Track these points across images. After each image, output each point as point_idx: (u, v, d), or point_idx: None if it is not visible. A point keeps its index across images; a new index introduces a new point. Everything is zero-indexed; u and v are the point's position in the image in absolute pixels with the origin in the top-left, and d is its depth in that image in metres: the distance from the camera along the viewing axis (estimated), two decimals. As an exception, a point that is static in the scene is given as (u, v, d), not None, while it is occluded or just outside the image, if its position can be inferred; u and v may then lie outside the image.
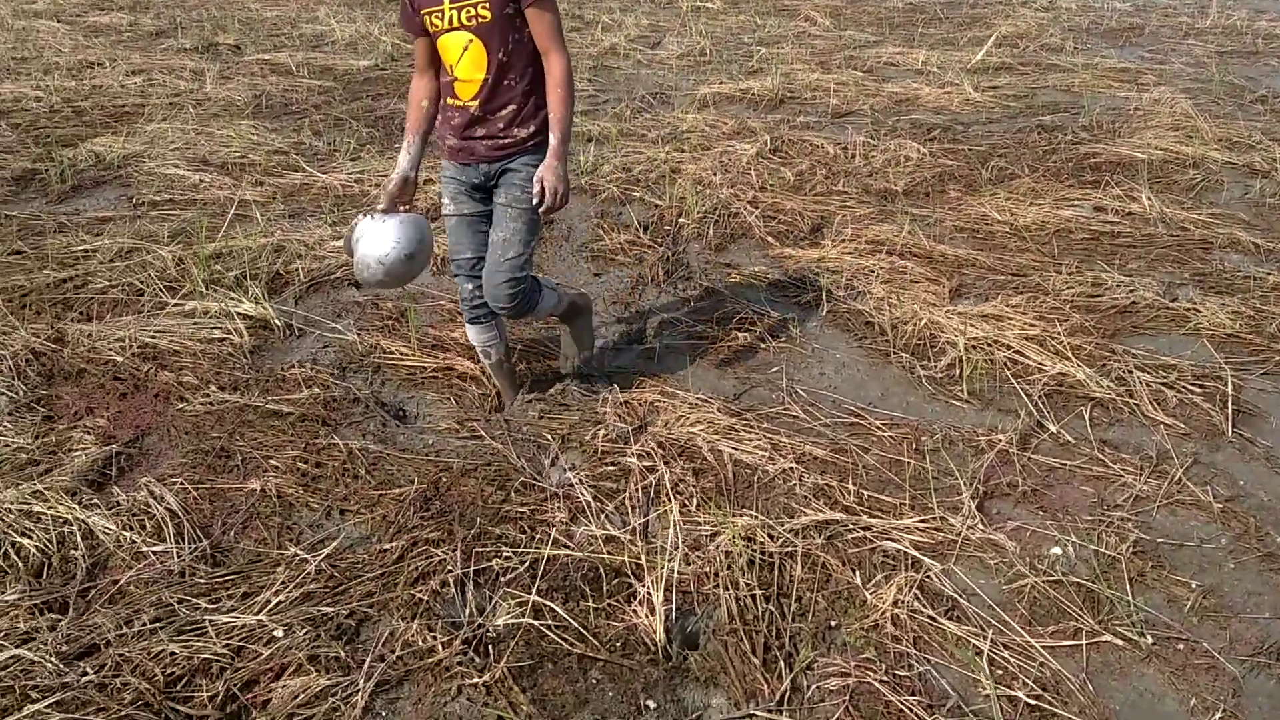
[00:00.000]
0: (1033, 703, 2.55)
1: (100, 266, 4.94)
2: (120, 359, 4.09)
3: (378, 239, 3.24)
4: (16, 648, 2.55)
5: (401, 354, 4.22)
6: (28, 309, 4.52)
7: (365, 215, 3.32)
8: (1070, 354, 4.18)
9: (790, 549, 3.08)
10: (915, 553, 3.06)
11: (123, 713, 2.38)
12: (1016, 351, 4.22)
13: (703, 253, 5.46)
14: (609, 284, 5.07)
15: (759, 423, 3.77)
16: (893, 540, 3.11)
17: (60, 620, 2.67)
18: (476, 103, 3.23)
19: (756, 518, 3.19)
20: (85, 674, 2.49)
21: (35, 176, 6.32)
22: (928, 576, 2.98)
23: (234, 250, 5.09)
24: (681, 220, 5.81)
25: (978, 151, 7.04)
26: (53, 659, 2.52)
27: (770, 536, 3.12)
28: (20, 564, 2.90)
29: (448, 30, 3.17)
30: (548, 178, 3.17)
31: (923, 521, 3.19)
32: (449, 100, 3.31)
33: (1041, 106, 8.30)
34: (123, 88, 8.59)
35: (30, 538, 2.98)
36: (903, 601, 2.85)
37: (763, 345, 4.44)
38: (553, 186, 3.17)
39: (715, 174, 6.53)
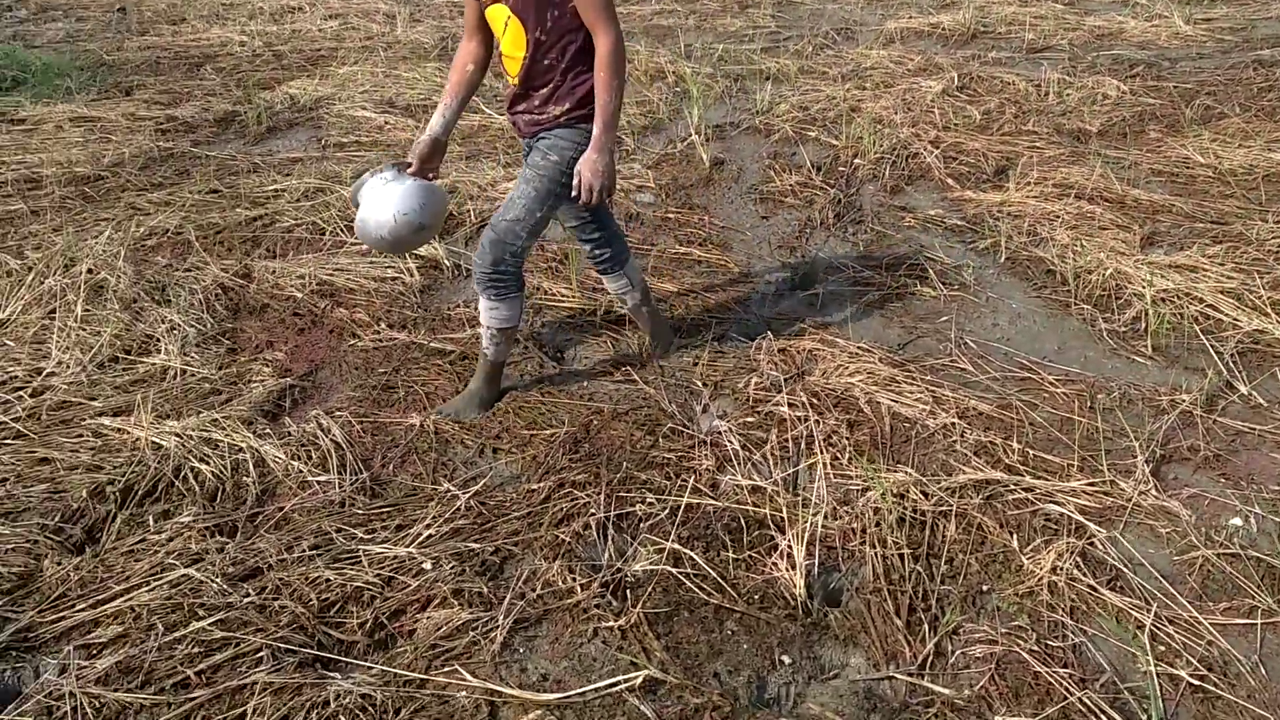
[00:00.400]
0: (1196, 683, 2.38)
1: (288, 206, 5.17)
2: (300, 295, 4.27)
3: (392, 201, 3.09)
4: (187, 567, 2.71)
5: (562, 296, 4.25)
6: (220, 245, 4.77)
7: (383, 170, 3.17)
8: (1270, 309, 3.84)
9: (945, 508, 2.96)
10: (1080, 517, 2.89)
11: (279, 634, 2.51)
12: (1209, 305, 3.91)
13: (877, 195, 5.27)
14: (775, 227, 4.96)
15: (922, 374, 3.63)
16: (1056, 503, 2.94)
17: (228, 543, 2.83)
18: (518, 80, 3.09)
19: (911, 474, 3.07)
20: (247, 595, 2.63)
21: (235, 118, 6.65)
22: (1091, 543, 2.80)
23: (410, 191, 5.23)
24: (857, 161, 5.62)
25: (1183, 89, 6.52)
26: (219, 580, 2.67)
27: (924, 494, 3.01)
28: (197, 488, 3.08)
29: (492, 2, 3.02)
30: (585, 172, 3.01)
31: (1091, 485, 3.00)
32: (503, 73, 3.18)
33: (1261, 40, 7.61)
34: (320, 32, 8.93)
35: (207, 464, 3.16)
36: (1062, 568, 2.70)
37: (933, 293, 4.26)
38: (588, 182, 3.01)
39: (896, 113, 6.28)
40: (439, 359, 3.81)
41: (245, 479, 3.13)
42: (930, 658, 2.50)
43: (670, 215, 5.08)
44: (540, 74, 3.05)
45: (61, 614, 2.61)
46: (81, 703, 2.33)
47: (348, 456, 3.21)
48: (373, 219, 3.10)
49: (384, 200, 3.09)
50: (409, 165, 3.18)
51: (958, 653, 2.51)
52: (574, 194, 3.06)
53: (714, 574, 2.71)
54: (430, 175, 3.25)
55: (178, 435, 3.25)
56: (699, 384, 3.58)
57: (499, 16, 3.02)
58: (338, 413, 3.46)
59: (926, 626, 2.58)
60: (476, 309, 4.08)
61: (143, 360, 3.78)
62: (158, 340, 3.89)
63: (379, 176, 3.14)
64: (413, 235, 3.16)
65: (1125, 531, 2.86)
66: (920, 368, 3.69)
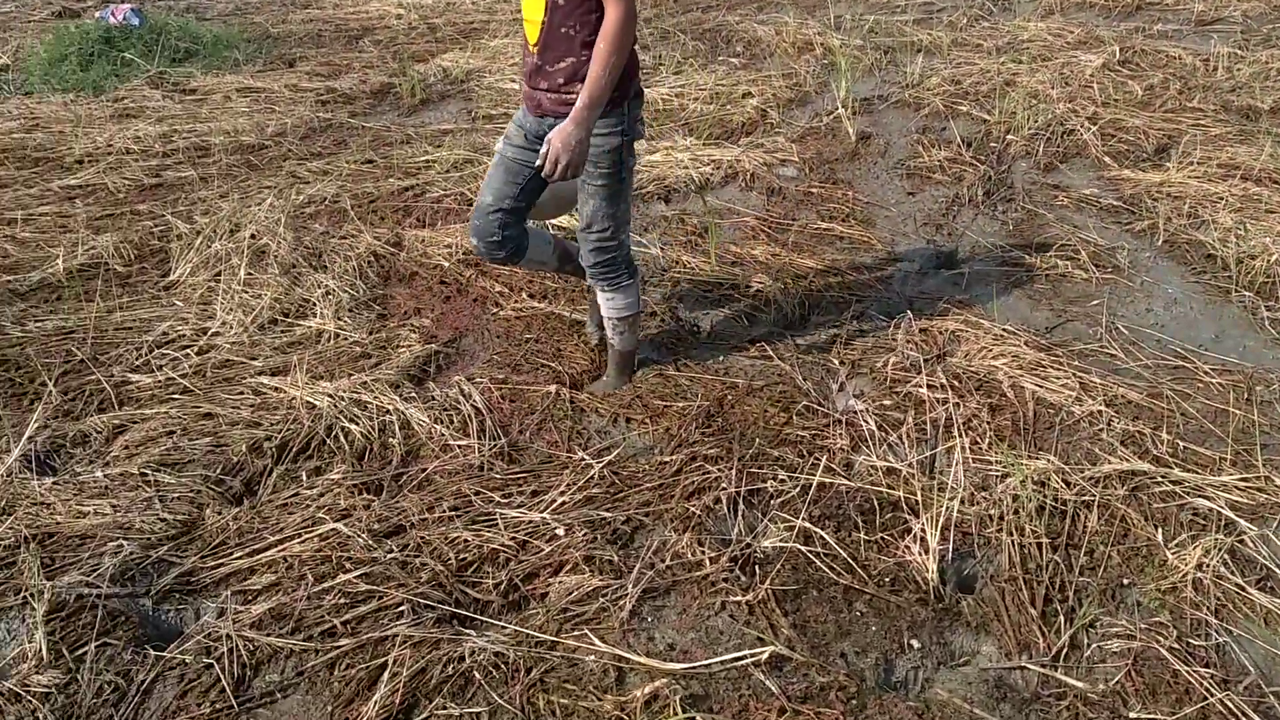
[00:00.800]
0: (1355, 696, 2.27)
1: (438, 176, 5.31)
2: (447, 264, 4.39)
3: None
4: (335, 522, 2.84)
5: (700, 269, 4.26)
6: (374, 214, 4.94)
7: None
8: None
9: (1087, 498, 2.87)
10: (1230, 513, 2.77)
11: (419, 589, 2.61)
12: (1391, 296, 3.67)
13: (1029, 172, 5.11)
14: (922, 204, 4.86)
15: (1069, 360, 3.52)
16: (1205, 498, 2.82)
17: (374, 501, 2.96)
18: (536, 49, 2.85)
19: (1053, 462, 2.99)
20: (390, 551, 2.75)
21: (390, 90, 6.85)
22: (1241, 541, 2.69)
23: (555, 163, 5.30)
24: (1009, 137, 5.45)
25: (1375, 60, 6.10)
26: (364, 535, 2.80)
27: (1066, 483, 2.93)
28: (346, 447, 3.22)
29: None
30: (555, 141, 2.74)
31: (1243, 480, 2.87)
32: (524, 41, 2.93)
33: None
34: (473, 5, 9.11)
35: (357, 424, 3.30)
36: (1208, 565, 2.59)
37: (1085, 276, 4.11)
38: (555, 153, 2.74)
39: (1053, 87, 6.05)
40: (578, 330, 3.87)
41: (391, 440, 3.25)
42: (1065, 650, 2.44)
43: (813, 190, 5.03)
44: (558, 44, 2.81)
45: (220, 561, 2.77)
46: (237, 645, 2.47)
47: (487, 422, 3.31)
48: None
49: None
50: None
51: (1094, 646, 2.45)
52: (538, 163, 2.82)
53: (844, 554, 2.69)
54: None
55: (330, 396, 3.40)
56: (836, 362, 3.55)
57: None
58: (479, 379, 3.55)
59: (1062, 618, 2.52)
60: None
61: (300, 323, 3.95)
62: (314, 304, 4.06)
63: None
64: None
65: (1279, 530, 2.73)
66: (1068, 352, 3.58)
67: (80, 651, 2.48)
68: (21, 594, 2.64)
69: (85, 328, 3.90)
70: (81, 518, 2.89)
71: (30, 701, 2.37)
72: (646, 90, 6.42)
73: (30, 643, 2.49)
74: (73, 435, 3.30)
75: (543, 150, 2.77)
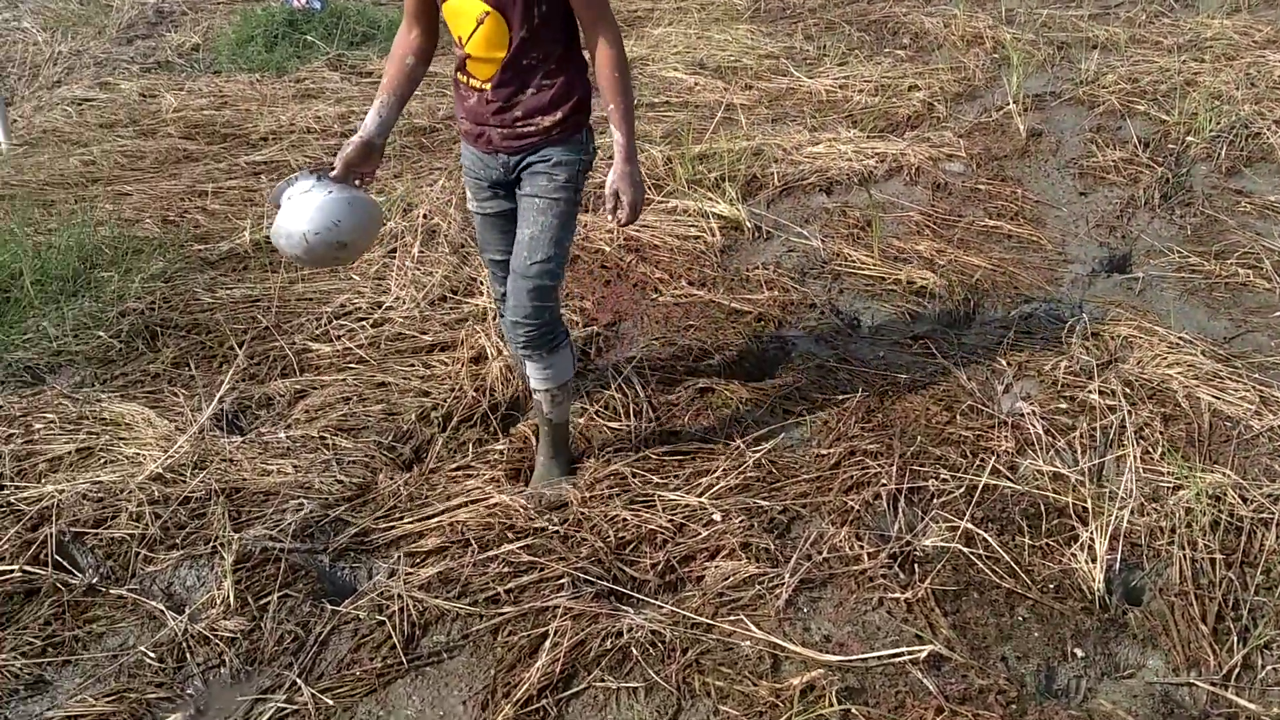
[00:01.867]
0: None
1: (599, 165, 5.39)
2: (607, 249, 4.47)
3: (305, 216, 2.60)
4: (500, 493, 2.94)
5: (862, 263, 4.23)
6: (537, 197, 5.05)
7: (299, 178, 2.67)
8: None
9: (1265, 515, 2.76)
10: None
11: (578, 564, 2.68)
12: None
13: (1210, 176, 4.89)
14: (1094, 205, 4.71)
15: (1249, 371, 3.37)
16: (1401, 525, 2.68)
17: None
18: (490, 86, 2.61)
19: (1229, 476, 2.88)
20: (552, 524, 2.83)
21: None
22: None
23: (716, 152, 5.32)
24: (1189, 139, 5.23)
25: None
26: (527, 507, 2.88)
27: (1243, 499, 2.81)
28: (508, 422, 3.32)
29: None
30: (623, 188, 2.63)
31: None
32: (460, 75, 2.67)
33: None
34: (635, -7, 9.18)
35: (520, 400, 3.40)
36: (1403, 597, 2.46)
37: (1267, 285, 3.93)
38: (631, 200, 2.65)
39: (1238, 88, 5.77)
40: (736, 319, 3.89)
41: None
42: (1237, 669, 2.36)
43: (980, 186, 4.93)
44: (521, 76, 2.58)
45: (392, 524, 2.90)
46: (407, 604, 2.59)
47: (645, 406, 3.36)
48: (284, 233, 2.65)
49: (297, 214, 2.62)
50: (332, 170, 2.71)
51: (1269, 668, 2.36)
52: (612, 215, 2.70)
53: (1007, 558, 2.65)
54: (361, 183, 2.79)
55: (496, 373, 3.50)
56: (1002, 363, 3.48)
57: (470, 12, 2.51)
58: (637, 363, 3.61)
59: (1235, 637, 2.43)
60: (774, 272, 4.16)
61: (467, 300, 4.09)
62: (481, 283, 4.19)
63: (296, 185, 2.65)
64: (331, 253, 2.69)
65: None
66: (1248, 364, 3.43)
67: (264, 601, 2.64)
68: (211, 544, 2.82)
69: (269, 297, 4.11)
70: (266, 475, 3.07)
71: (217, 645, 2.54)
72: (812, 81, 6.39)
73: (219, 590, 2.66)
74: (258, 398, 3.49)
75: (610, 203, 2.67)
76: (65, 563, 2.80)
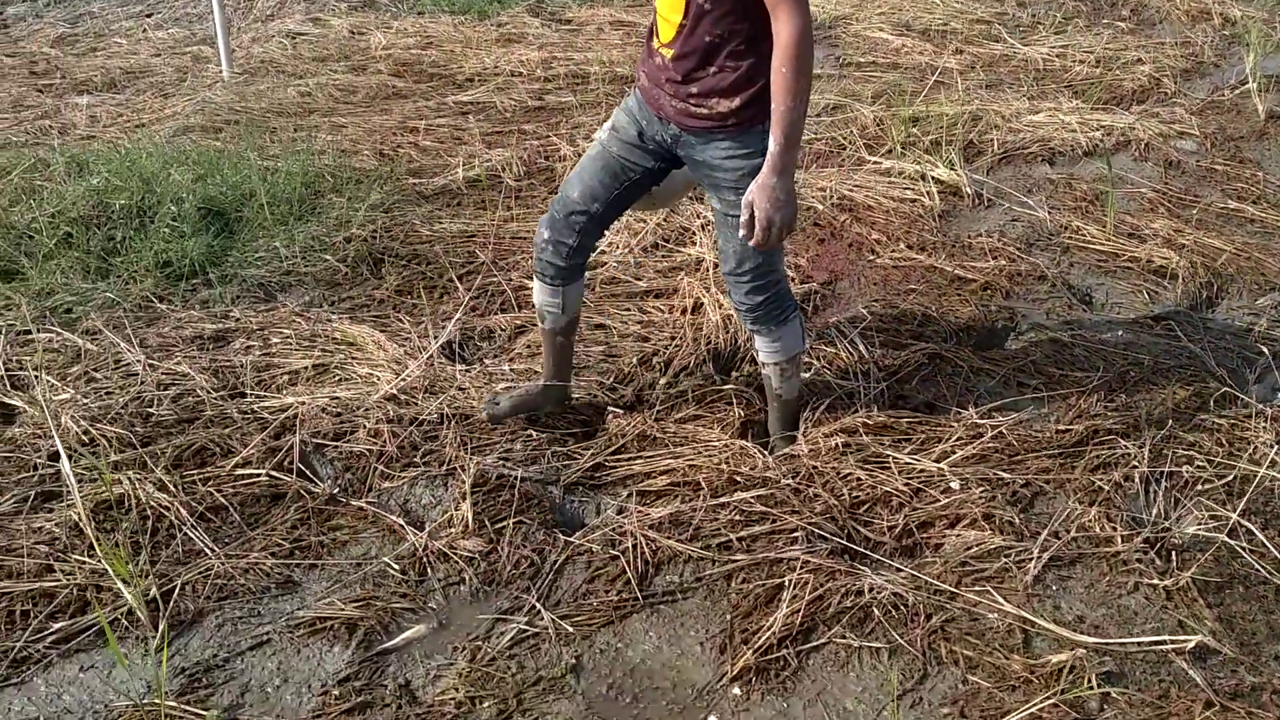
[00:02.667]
0: None
1: (810, 121, 5.28)
2: (821, 207, 4.38)
3: None
4: (729, 439, 2.92)
5: (1093, 238, 4.04)
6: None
7: None
8: None
9: None
10: None
11: (812, 519, 2.64)
12: None
13: None
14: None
15: None
16: None
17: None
18: (671, 52, 2.37)
19: None
20: (785, 477, 2.79)
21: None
22: None
23: (931, 115, 5.16)
24: None
25: None
26: (756, 456, 2.85)
27: None
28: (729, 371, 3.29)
29: None
30: (759, 201, 2.29)
31: None
32: (652, 33, 2.47)
33: None
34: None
35: (738, 353, 3.36)
36: None
37: None
38: (765, 216, 2.29)
39: None
40: (960, 286, 3.77)
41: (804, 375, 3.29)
42: None
43: (1216, 167, 4.65)
44: (700, 53, 2.32)
45: (619, 463, 2.90)
46: (640, 542, 2.59)
47: (871, 368, 3.28)
48: None
49: None
50: None
51: None
52: (742, 233, 2.39)
53: (1276, 553, 2.50)
54: None
55: (715, 323, 3.47)
56: (1257, 349, 3.28)
57: None
58: (857, 323, 3.53)
59: None
60: (998, 241, 4.01)
61: (680, 250, 4.06)
62: (693, 234, 4.15)
63: None
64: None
65: None
66: None
67: (499, 525, 2.67)
68: (446, 465, 2.88)
69: (484, 233, 4.17)
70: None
71: (457, 563, 2.58)
72: (1027, 48, 6.13)
73: (456, 510, 2.71)
74: (480, 330, 3.54)
75: (745, 216, 2.34)
76: (307, 471, 2.89)
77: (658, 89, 2.46)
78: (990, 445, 2.90)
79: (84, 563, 2.55)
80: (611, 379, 3.27)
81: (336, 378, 3.28)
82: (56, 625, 2.40)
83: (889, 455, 2.85)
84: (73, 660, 2.35)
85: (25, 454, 2.92)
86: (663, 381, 3.24)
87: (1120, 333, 3.44)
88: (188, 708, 2.21)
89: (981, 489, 2.72)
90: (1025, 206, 4.30)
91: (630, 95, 2.62)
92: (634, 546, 2.58)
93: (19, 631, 2.39)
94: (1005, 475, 2.78)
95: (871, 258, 4.01)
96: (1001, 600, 2.39)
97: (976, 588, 2.43)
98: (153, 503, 2.73)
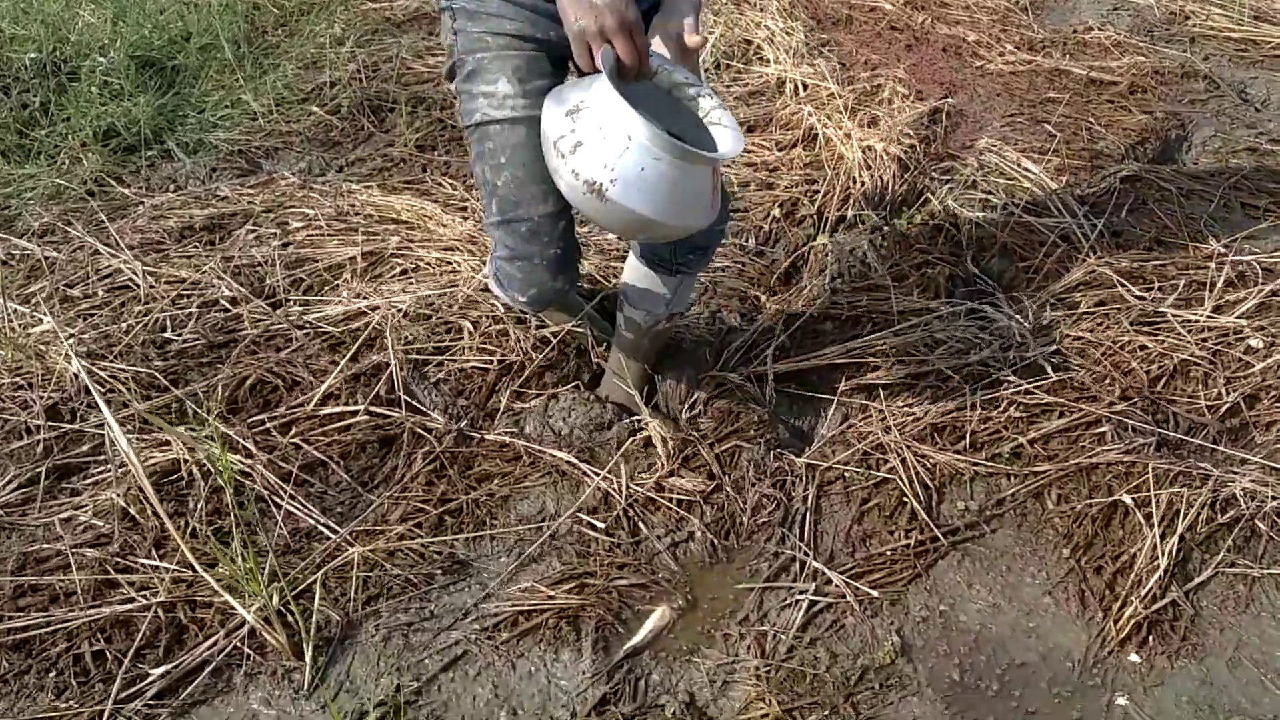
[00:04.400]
0: None
1: None
2: (890, 6, 3.68)
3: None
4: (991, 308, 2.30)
5: (1221, 25, 3.47)
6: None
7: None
8: None
9: None
10: None
11: (1114, 405, 2.06)
12: None
13: None
14: None
15: None
16: None
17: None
18: None
19: None
20: (1056, 355, 2.19)
21: None
22: None
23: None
24: None
25: None
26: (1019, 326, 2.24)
27: None
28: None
29: None
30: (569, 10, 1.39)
31: None
32: None
33: None
34: None
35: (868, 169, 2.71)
36: None
37: None
38: (580, 29, 1.39)
39: None
40: (1102, 90, 3.18)
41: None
42: None
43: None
44: None
45: (806, 352, 2.25)
46: (908, 458, 1.97)
47: (1067, 198, 2.67)
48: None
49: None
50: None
51: None
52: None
53: None
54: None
55: (849, 155, 2.80)
56: None
57: None
58: (1004, 148, 2.90)
59: None
60: (1115, 33, 3.41)
61: (750, 69, 3.32)
62: (759, 47, 3.40)
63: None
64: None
65: None
66: None
67: (712, 448, 2.01)
68: (594, 367, 2.17)
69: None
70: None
71: (673, 510, 1.93)
72: None
73: (640, 434, 2.03)
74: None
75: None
76: (412, 401, 2.15)
77: None
78: (1270, 289, 2.35)
79: (159, 568, 1.79)
80: (752, 240, 2.59)
81: (397, 268, 2.49)
82: (150, 671, 1.65)
83: (1164, 312, 2.28)
84: (196, 715, 1.63)
85: (7, 414, 2.08)
86: (822, 240, 2.57)
87: (1321, 135, 2.92)
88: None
89: (1291, 344, 2.19)
90: (1125, -9, 3.69)
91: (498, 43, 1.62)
92: (903, 463, 1.97)
93: (98, 684, 1.64)
94: (1308, 326, 2.25)
95: (980, 64, 3.36)
96: (1402, 490, 1.88)
97: (1363, 478, 1.92)
98: (221, 467, 1.95)
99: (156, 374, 2.14)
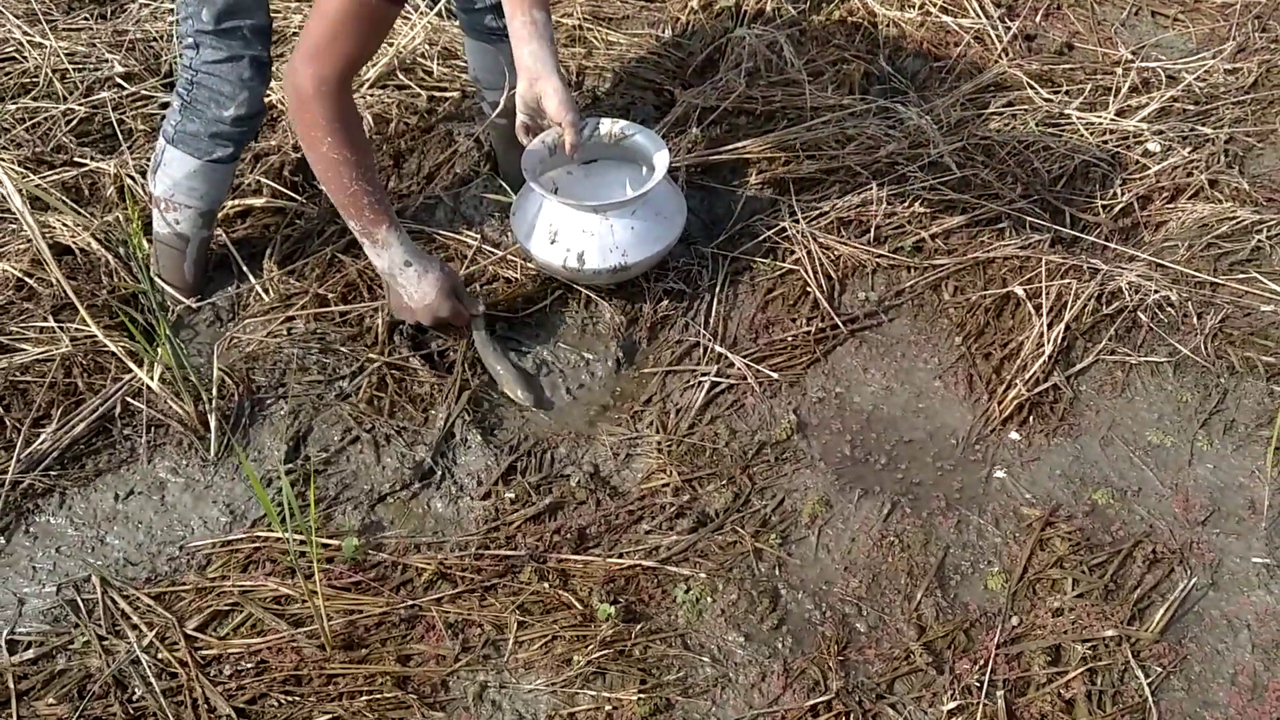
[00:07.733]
0: None
1: None
2: None
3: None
4: (902, 106, 2.31)
5: None
6: None
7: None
8: None
9: None
10: None
11: (1013, 201, 2.10)
12: None
13: None
14: None
15: None
16: None
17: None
18: None
19: None
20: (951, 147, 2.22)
21: None
22: None
23: None
24: None
25: None
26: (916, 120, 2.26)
27: None
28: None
29: None
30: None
31: None
32: None
33: None
34: None
35: None
36: None
37: None
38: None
39: None
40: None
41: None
42: None
43: None
44: None
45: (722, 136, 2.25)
46: (814, 249, 2.01)
47: (975, 0, 2.66)
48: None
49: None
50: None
51: None
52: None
53: None
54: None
55: None
56: None
57: None
58: None
59: None
60: None
61: None
62: None
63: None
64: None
65: None
66: None
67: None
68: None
69: None
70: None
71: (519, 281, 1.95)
72: None
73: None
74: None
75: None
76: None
77: None
78: (1170, 95, 2.39)
79: (62, 328, 1.77)
80: (668, 32, 2.54)
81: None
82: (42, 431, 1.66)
83: (1069, 115, 2.31)
84: (101, 483, 1.65)
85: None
86: (740, 32, 2.53)
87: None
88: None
89: (1189, 150, 2.25)
90: None
91: None
92: (808, 255, 2.01)
93: (-1, 458, 1.65)
94: (1206, 130, 2.31)
95: None
96: (1275, 286, 1.98)
97: (1238, 274, 2.01)
98: (132, 234, 1.92)
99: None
